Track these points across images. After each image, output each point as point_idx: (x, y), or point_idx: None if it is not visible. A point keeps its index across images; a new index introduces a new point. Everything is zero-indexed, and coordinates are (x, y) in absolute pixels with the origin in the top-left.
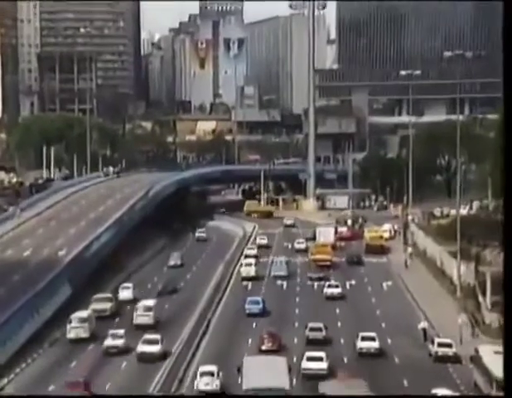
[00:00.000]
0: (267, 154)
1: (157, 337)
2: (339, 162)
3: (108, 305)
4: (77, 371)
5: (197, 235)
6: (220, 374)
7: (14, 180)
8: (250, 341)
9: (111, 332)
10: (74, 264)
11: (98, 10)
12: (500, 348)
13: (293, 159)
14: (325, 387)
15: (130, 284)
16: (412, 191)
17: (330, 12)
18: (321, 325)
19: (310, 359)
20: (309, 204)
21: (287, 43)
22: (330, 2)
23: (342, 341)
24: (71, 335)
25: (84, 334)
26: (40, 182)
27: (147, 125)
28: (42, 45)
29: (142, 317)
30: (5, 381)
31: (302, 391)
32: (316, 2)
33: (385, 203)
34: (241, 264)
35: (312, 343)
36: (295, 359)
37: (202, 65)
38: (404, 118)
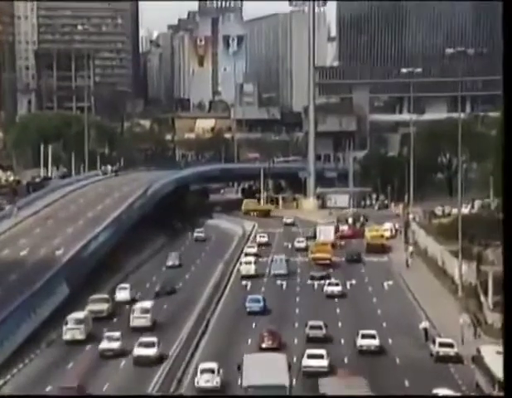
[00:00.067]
0: (266, 152)
1: (153, 339)
2: (339, 160)
3: (104, 306)
4: (73, 373)
5: (195, 235)
6: (221, 371)
7: (11, 178)
8: (250, 341)
9: (106, 334)
10: (72, 264)
11: (95, 7)
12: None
13: (293, 157)
14: (325, 383)
15: (127, 285)
16: (414, 190)
17: (331, 9)
18: (321, 323)
19: (310, 356)
20: (309, 203)
21: (286, 40)
22: None
23: (343, 341)
24: (67, 336)
25: (80, 336)
26: (37, 180)
27: (146, 123)
28: (39, 42)
29: (138, 319)
30: (2, 381)
31: (302, 389)
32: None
33: (386, 202)
34: (240, 263)
35: (312, 341)
36: (295, 359)
37: (201, 63)
38: (405, 116)
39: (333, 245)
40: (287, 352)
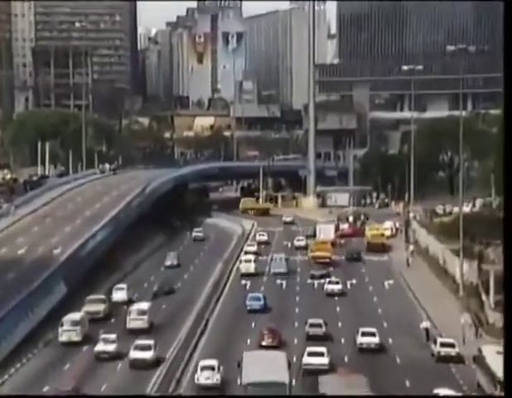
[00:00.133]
0: (266, 150)
1: (150, 342)
2: (339, 158)
3: (101, 307)
4: (70, 375)
5: (194, 234)
6: (221, 368)
7: (8, 176)
8: (249, 340)
9: (102, 336)
10: (70, 263)
11: (93, 4)
12: None
13: (293, 155)
14: (325, 381)
15: (124, 285)
16: (414, 189)
17: (331, 6)
18: (320, 321)
19: (311, 354)
20: (309, 201)
21: (286, 37)
22: None
23: (343, 340)
24: (63, 338)
25: (76, 337)
26: (34, 178)
27: (144, 121)
28: (37, 39)
29: (135, 321)
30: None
31: (302, 387)
32: None
33: (387, 200)
34: (240, 261)
35: (312, 339)
36: (295, 358)
37: (200, 60)
38: (406, 114)
39: (333, 244)
40: (286, 351)
